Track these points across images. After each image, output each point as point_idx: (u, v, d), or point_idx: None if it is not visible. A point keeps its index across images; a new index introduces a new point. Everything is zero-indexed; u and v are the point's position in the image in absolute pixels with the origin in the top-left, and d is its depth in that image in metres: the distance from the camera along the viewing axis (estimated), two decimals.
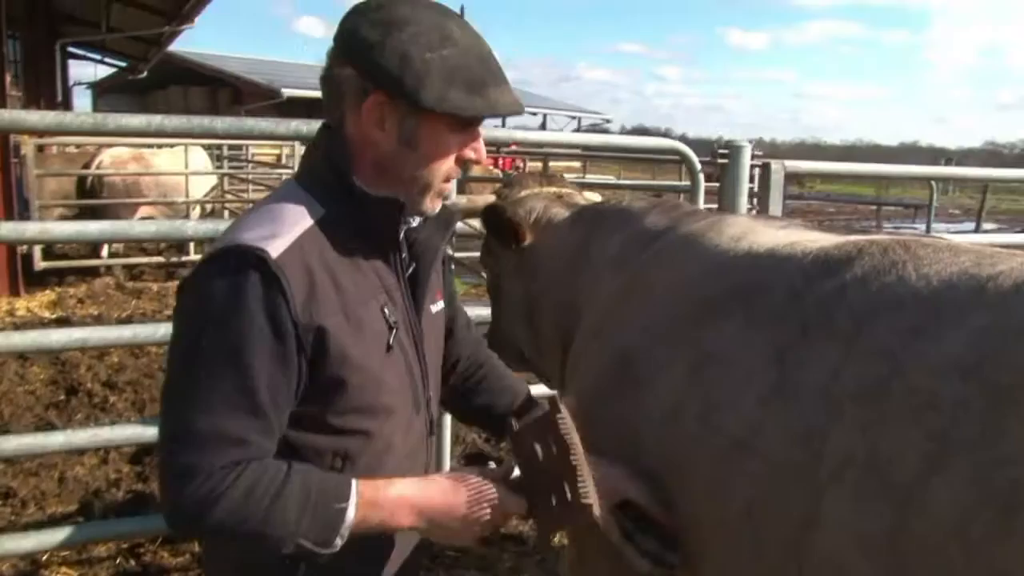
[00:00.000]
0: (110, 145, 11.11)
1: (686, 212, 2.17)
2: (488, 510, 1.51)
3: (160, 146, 11.61)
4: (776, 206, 3.75)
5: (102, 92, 32.66)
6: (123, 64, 23.72)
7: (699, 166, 3.65)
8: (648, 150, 3.95)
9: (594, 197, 2.71)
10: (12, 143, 8.64)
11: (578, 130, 44.20)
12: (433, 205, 1.60)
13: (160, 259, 11.15)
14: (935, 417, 1.24)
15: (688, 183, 3.80)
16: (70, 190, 11.31)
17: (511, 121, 44.17)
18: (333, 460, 1.51)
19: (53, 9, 15.73)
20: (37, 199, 10.02)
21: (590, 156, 14.73)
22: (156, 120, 2.83)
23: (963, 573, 1.16)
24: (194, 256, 10.76)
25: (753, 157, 3.70)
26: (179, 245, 11.07)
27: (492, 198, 2.57)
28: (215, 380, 1.37)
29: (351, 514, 1.41)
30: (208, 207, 12.28)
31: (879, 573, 1.27)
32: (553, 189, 2.56)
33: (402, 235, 1.61)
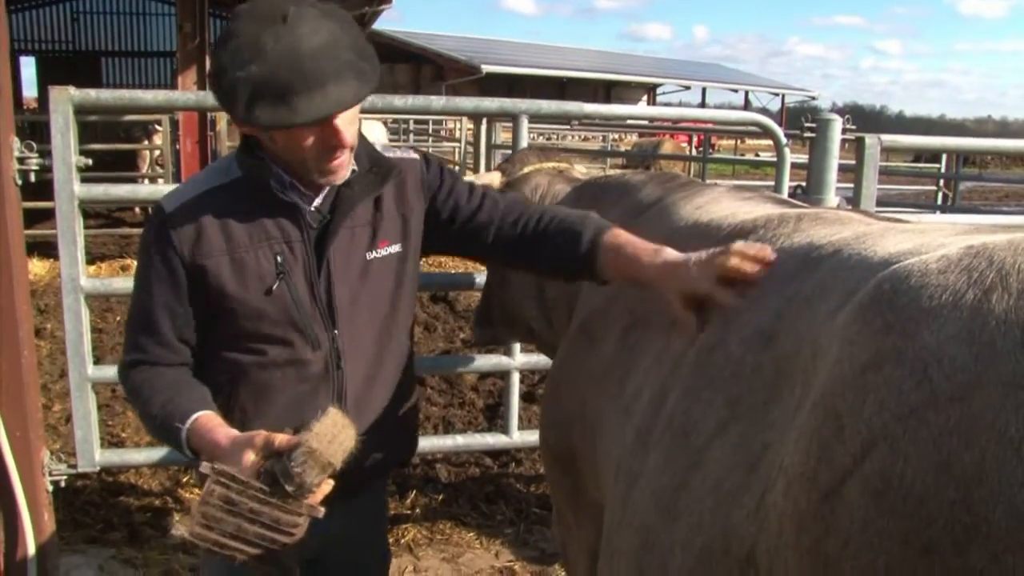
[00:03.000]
0: None
1: (679, 183, 2.20)
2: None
3: None
4: (871, 182, 3.60)
5: None
6: None
7: (784, 140, 3.58)
8: (732, 123, 3.89)
9: (581, 169, 2.75)
10: (209, 118, 9.57)
11: (782, 108, 42.48)
12: (324, 178, 1.78)
13: None
14: (736, 384, 1.26)
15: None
16: None
17: (710, 98, 43.09)
18: (230, 372, 1.86)
19: None
20: None
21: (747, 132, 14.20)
22: None
23: (708, 525, 1.19)
24: None
25: (845, 131, 3.56)
26: None
27: (496, 175, 2.65)
28: (133, 299, 1.87)
29: (184, 435, 1.69)
30: None
31: (661, 525, 1.30)
32: (552, 164, 2.62)
33: (325, 193, 1.84)
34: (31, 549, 3.08)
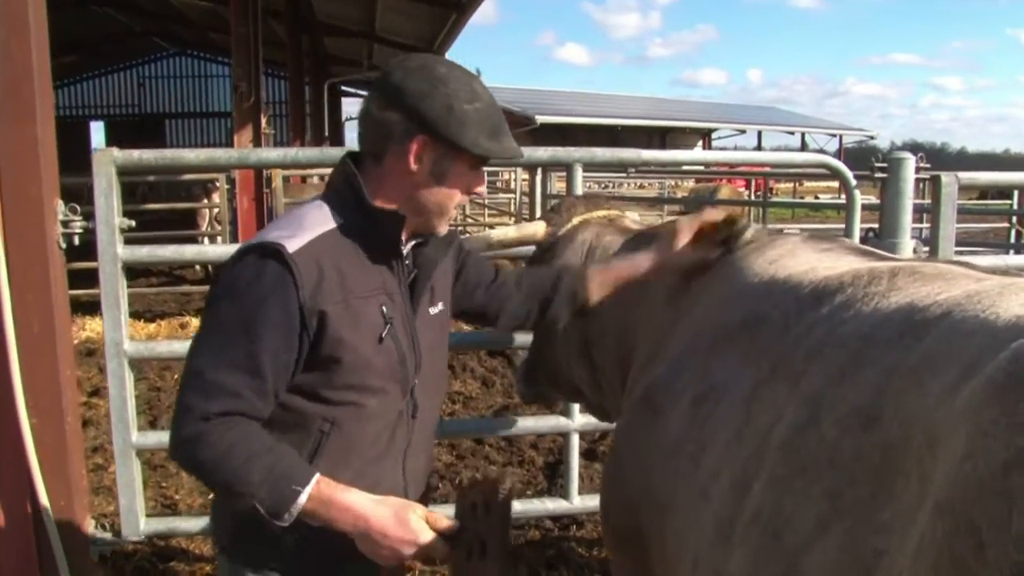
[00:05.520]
0: None
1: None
2: (414, 548, 1.68)
3: None
4: (949, 223, 3.37)
5: None
6: None
7: (854, 182, 3.37)
8: (798, 165, 3.70)
9: (634, 217, 2.56)
10: (265, 176, 9.66)
11: (840, 149, 41.89)
12: (444, 228, 1.88)
13: None
14: (835, 474, 1.06)
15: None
16: None
17: (766, 141, 42.69)
18: (322, 424, 1.76)
19: (320, 52, 17.37)
20: None
21: (811, 175, 13.61)
22: (291, 153, 3.13)
23: None
24: None
25: (918, 171, 3.34)
26: None
27: (541, 225, 2.49)
28: (229, 341, 1.67)
29: (302, 499, 1.62)
30: None
31: None
32: (602, 213, 2.44)
33: (408, 248, 1.88)
34: None
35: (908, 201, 3.32)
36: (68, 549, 3.03)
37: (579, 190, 3.19)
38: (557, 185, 10.64)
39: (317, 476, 1.66)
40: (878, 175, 3.32)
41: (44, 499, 2.97)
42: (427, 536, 1.68)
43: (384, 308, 1.80)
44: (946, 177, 3.34)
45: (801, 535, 1.07)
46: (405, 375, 1.85)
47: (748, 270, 1.76)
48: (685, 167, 16.51)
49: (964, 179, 3.38)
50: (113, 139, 31.96)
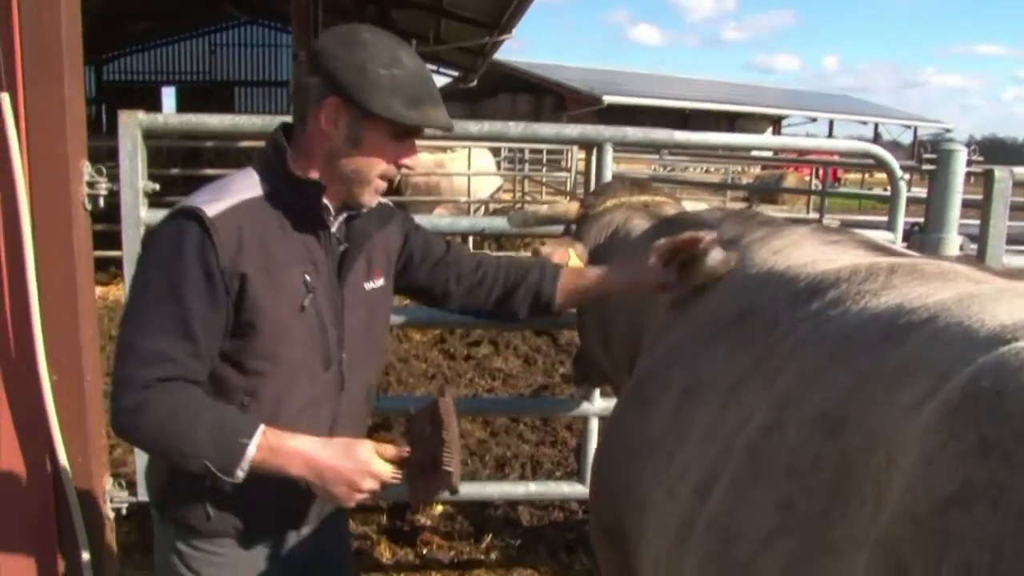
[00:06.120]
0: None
1: (757, 222, 1.91)
2: (367, 477, 1.70)
3: (453, 149, 12.39)
4: (1000, 219, 3.19)
5: None
6: (455, 74, 25.63)
7: (900, 172, 3.20)
8: (843, 152, 3.53)
9: (700, 206, 2.47)
10: None
11: (914, 141, 40.68)
12: (370, 199, 1.84)
13: None
14: (790, 483, 0.97)
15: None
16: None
17: (838, 131, 41.57)
18: (243, 396, 1.76)
19: (388, 24, 17.39)
20: None
21: (865, 165, 12.96)
22: None
23: None
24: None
25: (970, 163, 3.16)
26: (463, 238, 11.72)
27: (574, 205, 2.44)
28: (157, 308, 1.68)
29: (251, 451, 1.63)
30: (491, 206, 12.87)
31: None
32: (644, 197, 2.35)
33: (340, 221, 1.86)
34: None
35: (957, 195, 3.15)
36: (84, 504, 3.07)
37: (609, 169, 3.09)
38: (616, 165, 10.52)
39: (262, 427, 1.66)
40: (926, 167, 3.14)
41: (62, 455, 3.01)
42: (377, 464, 1.71)
43: (307, 277, 1.78)
44: (999, 172, 3.16)
45: (749, 547, 0.99)
46: (327, 346, 1.83)
47: (751, 260, 1.66)
48: (753, 152, 16.15)
49: (1019, 174, 3.19)
50: (184, 105, 32.58)
